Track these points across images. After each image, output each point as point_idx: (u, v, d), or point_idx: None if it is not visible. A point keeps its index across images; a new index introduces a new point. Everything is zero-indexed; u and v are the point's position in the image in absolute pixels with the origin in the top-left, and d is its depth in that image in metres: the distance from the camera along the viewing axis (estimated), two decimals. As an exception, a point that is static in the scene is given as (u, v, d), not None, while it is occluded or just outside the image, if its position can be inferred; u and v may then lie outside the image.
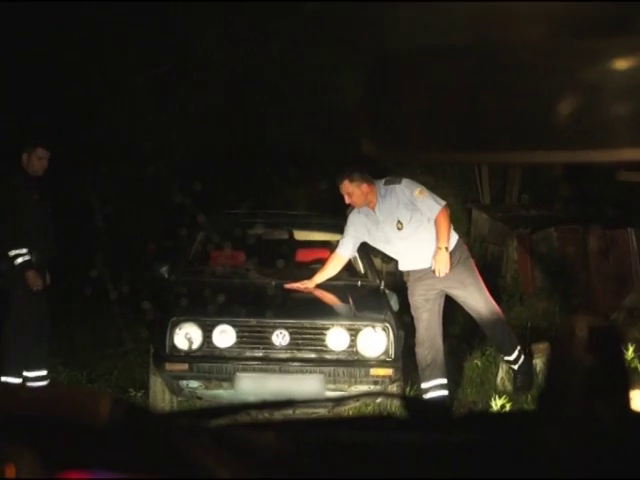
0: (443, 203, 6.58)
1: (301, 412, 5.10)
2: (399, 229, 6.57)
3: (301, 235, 8.48)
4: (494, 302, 6.79)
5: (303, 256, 7.92)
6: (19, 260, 6.75)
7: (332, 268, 6.99)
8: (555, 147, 1.03)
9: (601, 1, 1.07)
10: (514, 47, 1.05)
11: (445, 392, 6.64)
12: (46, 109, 10.41)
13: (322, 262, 7.70)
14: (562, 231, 10.67)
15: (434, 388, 6.61)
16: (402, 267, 6.86)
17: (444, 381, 6.67)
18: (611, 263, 10.07)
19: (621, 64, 1.00)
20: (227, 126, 11.68)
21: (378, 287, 7.20)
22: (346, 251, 6.97)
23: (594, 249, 10.25)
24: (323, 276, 6.98)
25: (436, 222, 6.53)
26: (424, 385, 6.66)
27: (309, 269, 7.59)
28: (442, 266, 6.48)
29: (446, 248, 6.48)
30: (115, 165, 11.12)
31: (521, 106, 1.05)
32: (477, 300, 6.68)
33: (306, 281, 6.96)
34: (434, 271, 6.50)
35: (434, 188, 13.07)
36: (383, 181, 6.65)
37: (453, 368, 7.11)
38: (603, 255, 10.14)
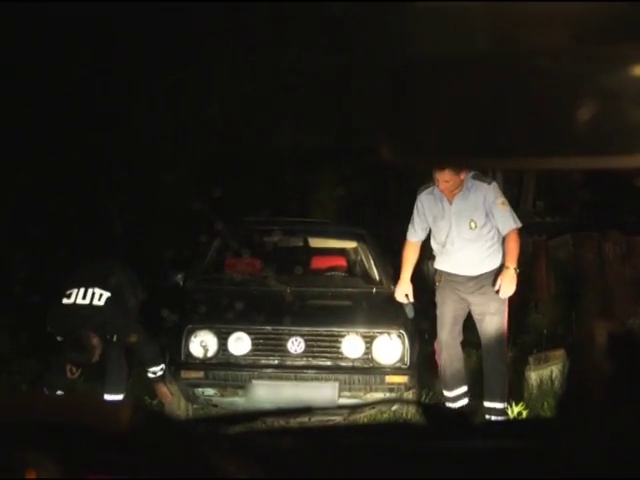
0: (520, 224, 6.36)
1: (317, 419, 5.11)
2: (472, 229, 6.29)
3: (317, 242, 8.49)
4: (506, 342, 6.54)
5: (318, 263, 7.92)
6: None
7: (413, 257, 6.65)
8: (573, 153, 1.03)
9: (617, 1, 1.07)
10: (532, 53, 1.05)
11: (467, 400, 6.57)
12: (62, 116, 10.46)
13: (337, 270, 7.72)
14: (578, 237, 10.64)
15: (457, 397, 6.54)
16: (440, 265, 6.56)
17: (465, 389, 6.58)
18: (628, 269, 10.03)
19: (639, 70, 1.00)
20: (243, 134, 11.71)
21: (393, 294, 7.19)
22: (417, 237, 6.63)
23: (610, 255, 10.21)
24: (409, 269, 6.65)
25: (508, 240, 6.29)
26: (448, 394, 6.55)
27: (324, 276, 7.59)
28: (508, 287, 6.24)
29: (515, 269, 6.24)
30: (132, 172, 11.17)
31: (539, 112, 1.05)
32: (491, 330, 6.41)
33: (399, 284, 6.67)
34: (497, 291, 6.25)
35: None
36: (472, 173, 6.30)
37: (471, 376, 7.06)
38: (619, 261, 10.10)
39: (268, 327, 6.62)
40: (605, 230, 10.35)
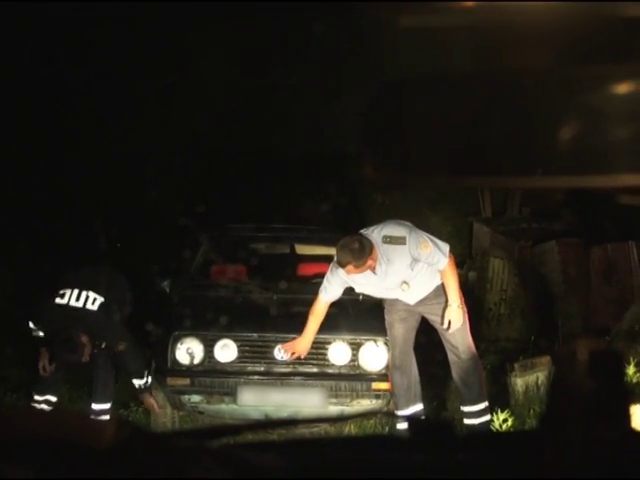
0: (447, 251, 5.99)
1: (303, 426, 5.11)
2: (404, 290, 6.09)
3: (303, 249, 8.48)
4: (473, 346, 6.32)
5: (305, 270, 7.91)
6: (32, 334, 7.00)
7: (322, 314, 6.31)
8: (556, 172, 1.04)
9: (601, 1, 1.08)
10: (516, 73, 1.06)
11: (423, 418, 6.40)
12: (46, 129, 10.44)
13: (324, 276, 7.69)
14: (563, 244, 10.67)
15: (412, 416, 6.38)
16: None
17: (421, 406, 6.39)
18: (612, 277, 10.07)
19: (622, 89, 1.01)
20: (229, 144, 11.72)
21: (380, 301, 7.18)
22: (330, 298, 6.30)
23: (595, 262, 10.26)
24: (316, 325, 6.33)
25: (444, 276, 6.04)
26: (401, 412, 6.31)
27: (310, 283, 7.57)
28: (454, 323, 6.04)
29: (458, 305, 6.03)
30: (118, 181, 11.14)
31: (522, 131, 1.05)
32: (455, 334, 6.19)
33: (299, 339, 6.35)
34: (448, 328, 6.07)
35: (437, 202, 13.17)
36: (382, 236, 5.94)
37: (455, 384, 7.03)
38: (604, 268, 10.14)
39: (254, 334, 6.62)
40: (590, 237, 10.38)
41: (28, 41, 9.72)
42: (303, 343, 6.36)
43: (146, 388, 6.81)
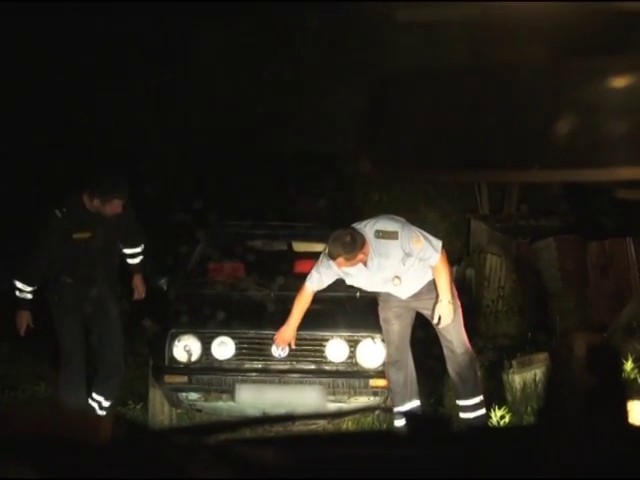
0: (440, 247, 6.03)
1: (301, 423, 5.11)
2: (395, 285, 6.13)
3: (300, 246, 8.48)
4: (468, 340, 6.35)
5: (302, 267, 7.89)
6: (16, 293, 6.66)
7: (306, 304, 6.32)
8: (553, 166, 1.04)
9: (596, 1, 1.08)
10: (513, 66, 1.06)
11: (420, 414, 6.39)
12: (45, 126, 10.42)
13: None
14: (561, 241, 10.67)
15: (410, 412, 6.39)
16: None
17: (418, 403, 6.40)
18: (610, 273, 10.08)
19: (618, 83, 1.01)
20: (226, 140, 11.71)
21: (376, 298, 7.19)
22: (318, 287, 6.29)
23: (593, 258, 10.26)
24: (300, 315, 6.33)
25: (436, 271, 6.07)
26: (398, 409, 6.30)
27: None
28: (445, 318, 6.07)
29: (449, 301, 6.05)
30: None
31: (519, 125, 1.05)
32: (449, 328, 6.22)
33: (284, 327, 6.35)
34: (438, 323, 6.13)
35: (434, 198, 13.17)
36: (374, 231, 5.97)
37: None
38: (602, 264, 10.15)
39: (252, 331, 6.62)
40: (587, 233, 10.39)
41: (26, 39, 9.72)
42: (288, 331, 6.36)
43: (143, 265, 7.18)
